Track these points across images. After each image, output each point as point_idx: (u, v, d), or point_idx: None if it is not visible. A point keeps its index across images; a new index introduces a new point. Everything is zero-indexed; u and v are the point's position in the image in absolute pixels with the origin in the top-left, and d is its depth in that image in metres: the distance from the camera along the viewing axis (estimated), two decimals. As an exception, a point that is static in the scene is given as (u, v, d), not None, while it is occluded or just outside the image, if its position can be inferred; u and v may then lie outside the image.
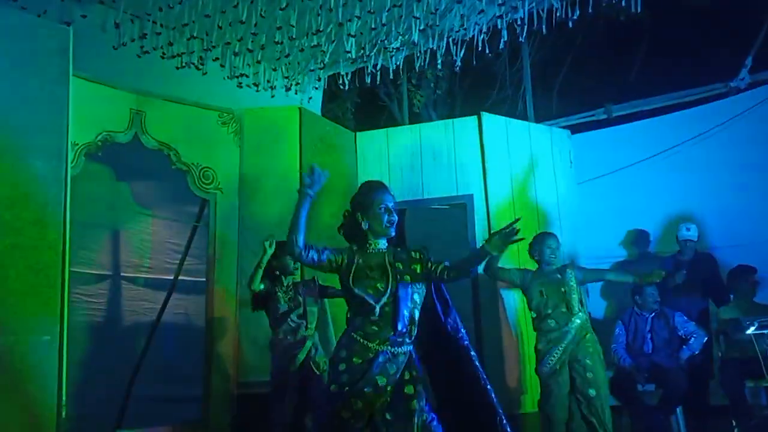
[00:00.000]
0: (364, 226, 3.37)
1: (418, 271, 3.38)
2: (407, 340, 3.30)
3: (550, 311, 5.24)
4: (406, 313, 3.29)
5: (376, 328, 3.26)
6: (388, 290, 3.28)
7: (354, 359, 3.22)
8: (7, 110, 4.37)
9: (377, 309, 3.25)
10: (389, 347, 3.26)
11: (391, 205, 3.41)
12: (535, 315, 5.36)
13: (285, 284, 5.11)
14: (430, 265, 3.40)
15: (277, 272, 5.08)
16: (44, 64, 4.58)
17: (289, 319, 5.03)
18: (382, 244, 3.44)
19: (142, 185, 6.99)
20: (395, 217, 3.41)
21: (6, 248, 4.26)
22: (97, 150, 5.27)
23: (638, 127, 7.71)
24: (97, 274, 6.82)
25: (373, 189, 3.46)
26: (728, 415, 5.78)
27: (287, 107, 6.37)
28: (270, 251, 4.92)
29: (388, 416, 3.22)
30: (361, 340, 3.25)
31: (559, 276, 5.32)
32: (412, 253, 3.44)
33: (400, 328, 3.26)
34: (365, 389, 3.18)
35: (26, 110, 4.45)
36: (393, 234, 3.43)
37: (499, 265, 5.61)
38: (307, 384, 5.03)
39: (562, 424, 5.12)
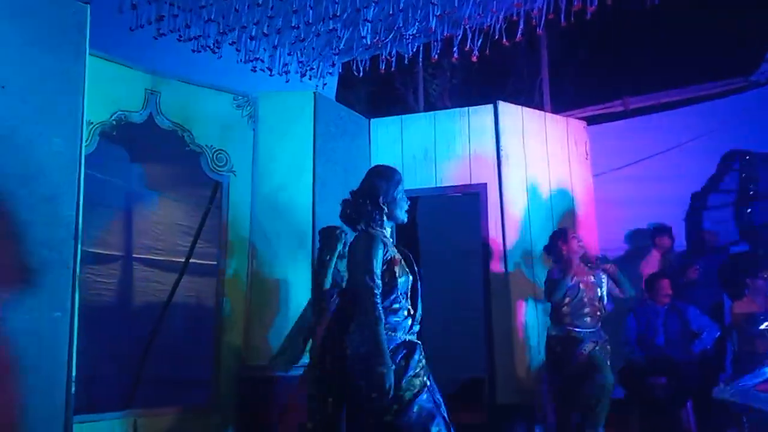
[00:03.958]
0: (384, 210, 3.27)
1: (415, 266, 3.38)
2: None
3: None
4: (420, 304, 3.27)
5: (398, 319, 3.17)
6: (415, 280, 3.25)
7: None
8: (22, 86, 4.36)
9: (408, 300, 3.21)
10: (414, 338, 3.22)
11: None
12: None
13: None
14: None
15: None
16: (61, 40, 4.54)
17: None
18: (390, 233, 3.39)
19: (156, 166, 6.99)
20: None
21: (20, 224, 4.27)
22: (111, 129, 5.25)
23: (656, 120, 7.64)
24: (109, 255, 6.84)
25: (394, 174, 3.42)
26: (739, 410, 5.73)
27: (302, 92, 6.34)
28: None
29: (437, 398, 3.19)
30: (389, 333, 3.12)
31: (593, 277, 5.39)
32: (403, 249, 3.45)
33: (417, 319, 3.24)
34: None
35: (41, 87, 4.43)
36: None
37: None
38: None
39: None
